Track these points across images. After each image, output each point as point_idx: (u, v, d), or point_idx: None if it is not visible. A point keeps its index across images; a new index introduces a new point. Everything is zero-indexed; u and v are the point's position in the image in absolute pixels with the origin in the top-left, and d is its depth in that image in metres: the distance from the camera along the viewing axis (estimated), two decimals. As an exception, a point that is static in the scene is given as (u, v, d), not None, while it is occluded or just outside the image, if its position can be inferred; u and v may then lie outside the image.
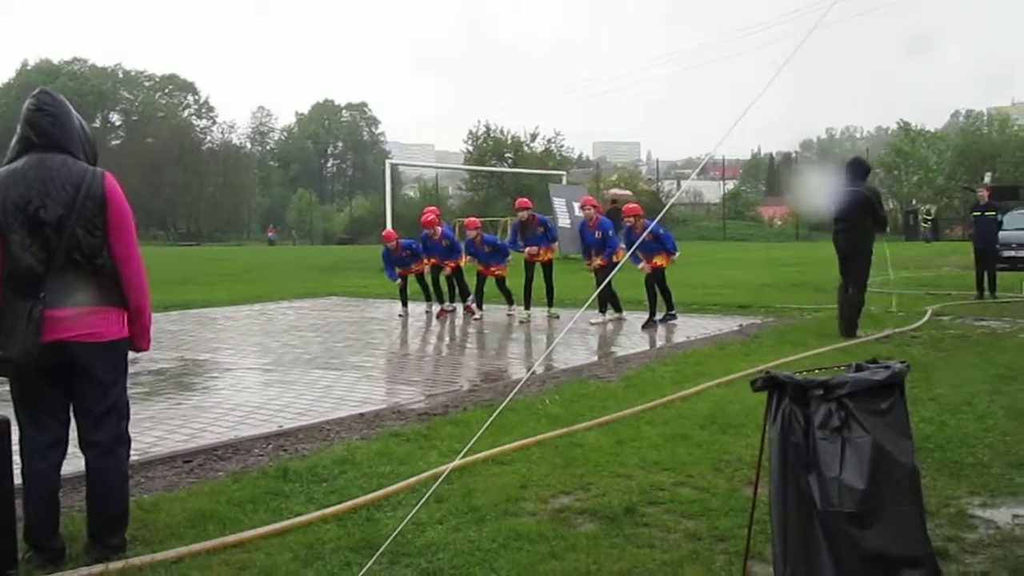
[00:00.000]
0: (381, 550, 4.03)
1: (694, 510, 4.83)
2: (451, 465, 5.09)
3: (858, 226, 11.19)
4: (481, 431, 4.45)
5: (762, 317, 13.92)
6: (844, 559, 3.11)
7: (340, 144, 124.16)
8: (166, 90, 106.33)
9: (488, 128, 61.84)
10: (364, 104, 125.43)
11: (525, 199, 15.06)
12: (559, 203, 30.52)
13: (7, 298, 4.03)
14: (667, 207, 22.63)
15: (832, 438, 3.15)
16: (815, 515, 3.14)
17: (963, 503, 4.90)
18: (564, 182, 37.59)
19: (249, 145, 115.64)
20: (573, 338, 12.01)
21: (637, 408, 7.25)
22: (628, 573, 4.03)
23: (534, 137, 61.96)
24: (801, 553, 3.18)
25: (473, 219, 15.65)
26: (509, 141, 61.48)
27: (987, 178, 39.02)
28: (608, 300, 13.68)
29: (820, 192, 11.51)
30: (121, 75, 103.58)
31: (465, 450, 4.95)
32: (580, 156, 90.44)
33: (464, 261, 15.15)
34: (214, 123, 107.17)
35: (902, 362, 3.36)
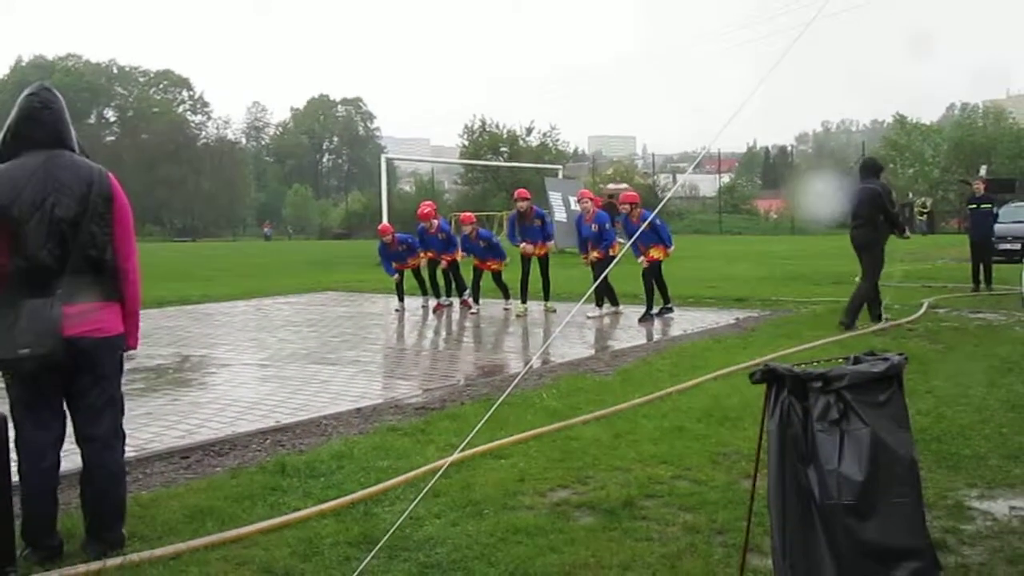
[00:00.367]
0: (380, 545, 4.03)
1: (692, 503, 4.83)
2: (450, 459, 5.09)
3: (870, 222, 11.59)
4: (479, 425, 4.45)
5: (758, 310, 13.92)
6: (843, 551, 3.11)
7: (335, 139, 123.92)
8: (161, 86, 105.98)
9: (484, 122, 61.78)
10: (359, 99, 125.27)
11: (524, 190, 15.04)
12: (555, 197, 30.47)
13: (18, 295, 4.02)
14: (665, 200, 22.61)
15: (831, 430, 3.14)
16: (814, 507, 3.14)
17: (960, 495, 4.91)
18: (560, 176, 37.57)
19: (244, 140, 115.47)
20: (570, 332, 12.01)
21: (634, 402, 7.25)
22: (627, 566, 4.03)
23: (530, 131, 61.89)
24: (800, 545, 3.18)
25: (468, 214, 15.60)
26: (505, 135, 61.42)
27: (983, 171, 38.97)
28: (605, 294, 13.69)
29: (817, 188, 11.82)
30: (115, 71, 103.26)
31: (463, 444, 4.95)
32: (576, 150, 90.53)
33: (459, 256, 15.13)
34: (209, 119, 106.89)
35: (900, 354, 3.36)
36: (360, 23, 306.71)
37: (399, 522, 4.18)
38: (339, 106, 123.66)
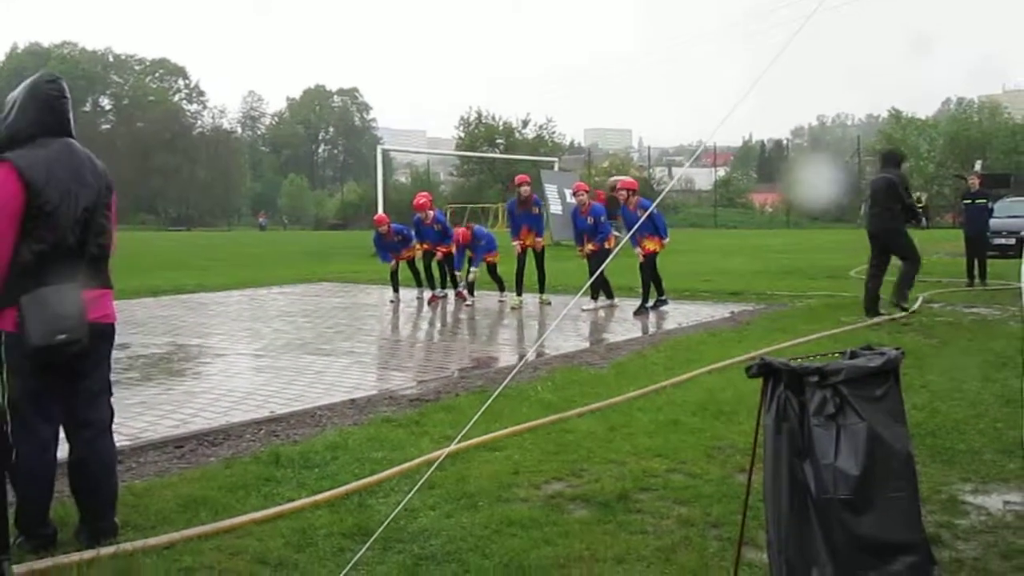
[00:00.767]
0: (375, 536, 4.02)
1: (687, 496, 4.83)
2: (446, 451, 5.09)
3: (887, 211, 11.96)
4: (475, 418, 4.43)
5: (753, 304, 13.93)
6: (838, 545, 3.10)
7: (331, 129, 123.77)
8: (156, 74, 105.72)
9: (480, 114, 61.77)
10: (355, 89, 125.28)
11: (525, 175, 15.03)
12: (551, 189, 30.48)
13: (44, 281, 4.02)
14: (663, 194, 22.67)
15: (827, 425, 3.14)
16: (810, 502, 3.14)
17: (955, 489, 4.91)
18: (556, 169, 37.55)
19: (240, 130, 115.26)
20: (565, 325, 12.00)
21: (629, 395, 7.25)
22: (621, 559, 4.03)
23: (526, 124, 61.92)
24: (795, 539, 3.18)
25: (462, 229, 15.34)
26: (501, 127, 61.43)
27: (978, 166, 39.06)
28: (600, 287, 13.69)
29: (813, 174, 12.27)
30: (111, 59, 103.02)
31: (459, 436, 4.95)
32: (572, 143, 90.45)
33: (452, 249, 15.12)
34: (205, 107, 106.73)
35: (896, 349, 3.35)
36: (358, 13, 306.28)
37: (394, 513, 4.18)
38: (335, 96, 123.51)
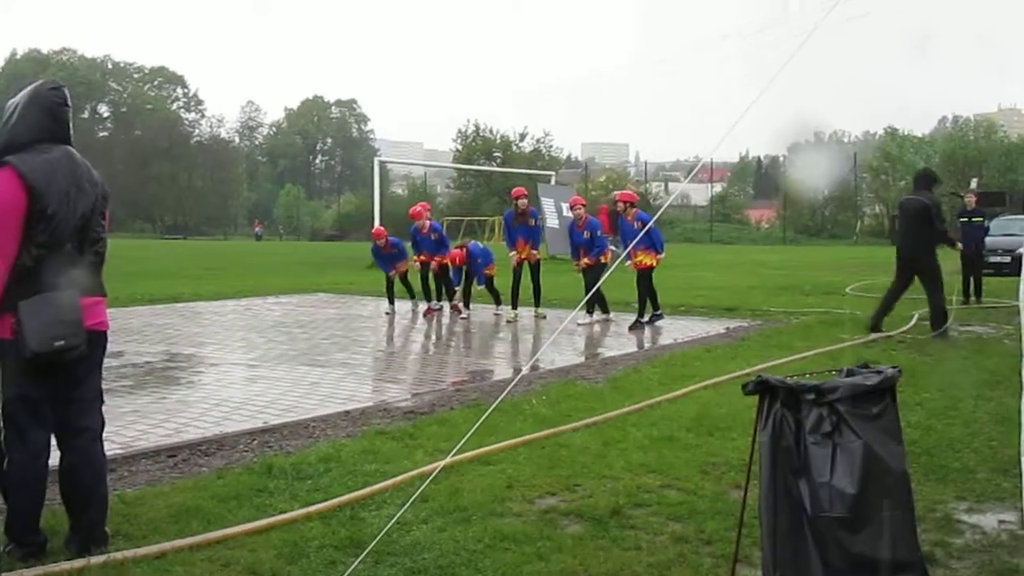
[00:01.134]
0: (367, 550, 4.00)
1: (681, 512, 4.81)
2: (439, 464, 5.06)
3: (917, 233, 11.85)
4: (470, 434, 4.43)
5: (749, 320, 13.93)
6: (833, 564, 3.09)
7: (329, 140, 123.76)
8: (155, 82, 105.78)
9: (477, 127, 61.93)
10: (354, 101, 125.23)
11: (522, 188, 15.02)
12: (547, 203, 30.51)
13: (43, 286, 4.01)
14: (662, 210, 22.74)
15: (823, 443, 3.13)
16: (805, 520, 3.13)
17: (950, 508, 4.90)
18: (553, 182, 37.59)
19: (237, 139, 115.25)
20: (560, 339, 11.98)
21: (624, 410, 7.23)
22: (614, 575, 4.01)
23: (523, 137, 62.12)
24: (790, 558, 3.17)
25: (457, 251, 15.26)
26: (498, 141, 61.57)
27: (974, 183, 39.18)
28: (595, 301, 13.68)
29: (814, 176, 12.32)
30: (110, 66, 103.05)
31: (454, 451, 4.93)
32: (569, 156, 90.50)
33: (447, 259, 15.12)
34: (203, 116, 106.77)
35: (893, 367, 3.35)
36: (357, 25, 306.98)
37: (387, 527, 4.16)
38: (333, 107, 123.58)
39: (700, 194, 71.01)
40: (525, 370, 9.55)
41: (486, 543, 4.35)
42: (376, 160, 36.23)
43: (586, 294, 11.82)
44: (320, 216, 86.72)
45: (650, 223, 12.37)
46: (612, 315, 13.91)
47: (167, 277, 23.43)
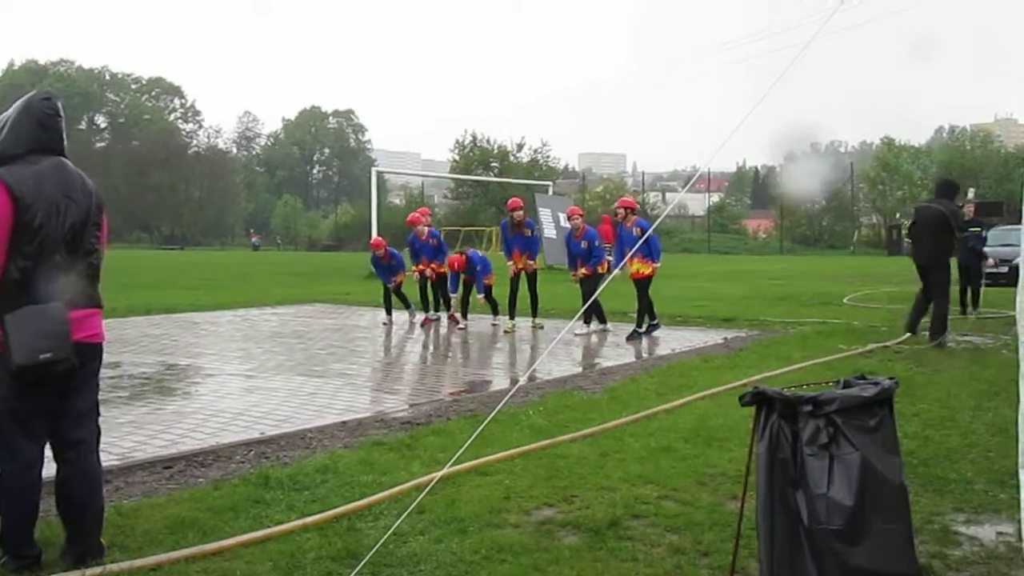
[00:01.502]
0: (364, 561, 3.99)
1: (678, 524, 4.80)
2: (436, 475, 5.05)
3: (935, 243, 11.88)
4: (467, 444, 4.42)
5: (746, 330, 13.92)
6: (830, 576, 3.09)
7: (326, 151, 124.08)
8: (152, 93, 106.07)
9: (475, 138, 62.00)
10: (351, 111, 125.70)
11: (518, 199, 15.01)
12: (545, 213, 30.56)
13: (29, 299, 3.99)
14: (659, 220, 22.76)
15: (820, 454, 3.13)
16: (802, 531, 3.12)
17: (947, 519, 4.89)
18: (550, 193, 37.64)
19: (235, 150, 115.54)
20: (557, 349, 11.97)
21: (621, 420, 7.22)
22: (612, 587, 4.00)
23: (520, 147, 62.17)
24: (787, 569, 3.16)
25: (456, 256, 15.26)
26: (495, 151, 61.63)
27: (971, 194, 39.22)
28: (593, 311, 13.67)
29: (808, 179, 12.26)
30: (108, 77, 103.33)
31: (451, 462, 4.92)
32: (566, 167, 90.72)
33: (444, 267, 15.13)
34: (200, 127, 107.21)
35: (891, 378, 3.34)
36: (354, 35, 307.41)
37: (384, 538, 4.15)
38: (331, 118, 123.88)
39: (698, 204, 71.12)
40: (522, 380, 9.54)
41: (483, 554, 4.34)
42: (373, 170, 36.19)
43: (583, 304, 11.81)
44: (317, 226, 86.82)
45: (650, 230, 12.37)
46: (609, 325, 13.90)
47: (164, 287, 23.42)
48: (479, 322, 14.85)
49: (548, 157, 63.27)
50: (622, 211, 13.52)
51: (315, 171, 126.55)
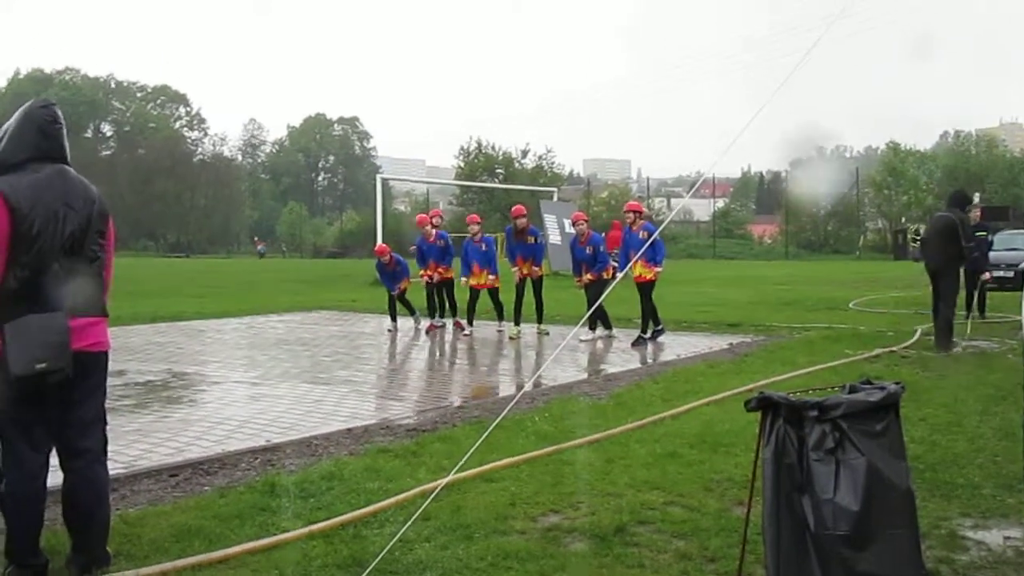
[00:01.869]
0: (370, 568, 3.98)
1: (684, 530, 4.79)
2: (442, 482, 5.05)
3: (942, 250, 12.10)
4: (472, 451, 4.41)
5: (752, 336, 13.90)
6: (837, 582, 3.08)
7: (331, 158, 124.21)
8: (158, 101, 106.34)
9: (479, 144, 62.05)
10: (356, 118, 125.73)
11: (521, 206, 15.01)
12: (550, 219, 30.55)
13: (27, 308, 3.98)
14: (664, 225, 22.76)
15: (826, 460, 3.12)
16: (808, 537, 3.11)
17: (955, 524, 4.87)
18: (555, 199, 37.63)
19: (240, 157, 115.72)
20: (562, 355, 11.96)
21: (627, 426, 7.21)
22: (618, 593, 3.99)
23: (525, 154, 62.19)
24: (794, 575, 3.15)
25: (474, 216, 15.46)
26: (500, 157, 61.69)
27: (976, 198, 39.21)
28: (598, 317, 13.66)
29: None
30: (113, 85, 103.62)
31: (456, 468, 4.91)
32: (571, 173, 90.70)
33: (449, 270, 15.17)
34: (205, 135, 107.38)
35: (897, 383, 3.33)
36: (359, 43, 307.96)
37: (389, 545, 4.14)
38: (336, 125, 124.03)
39: (703, 209, 71.15)
40: (528, 387, 9.53)
41: (489, 561, 4.33)
42: (378, 177, 36.19)
43: (588, 310, 11.80)
44: (322, 233, 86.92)
45: (655, 234, 12.37)
46: (614, 331, 13.89)
47: (170, 295, 23.45)
48: (484, 329, 14.84)
49: (553, 163, 63.31)
50: (630, 215, 13.54)
51: (320, 178, 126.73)
